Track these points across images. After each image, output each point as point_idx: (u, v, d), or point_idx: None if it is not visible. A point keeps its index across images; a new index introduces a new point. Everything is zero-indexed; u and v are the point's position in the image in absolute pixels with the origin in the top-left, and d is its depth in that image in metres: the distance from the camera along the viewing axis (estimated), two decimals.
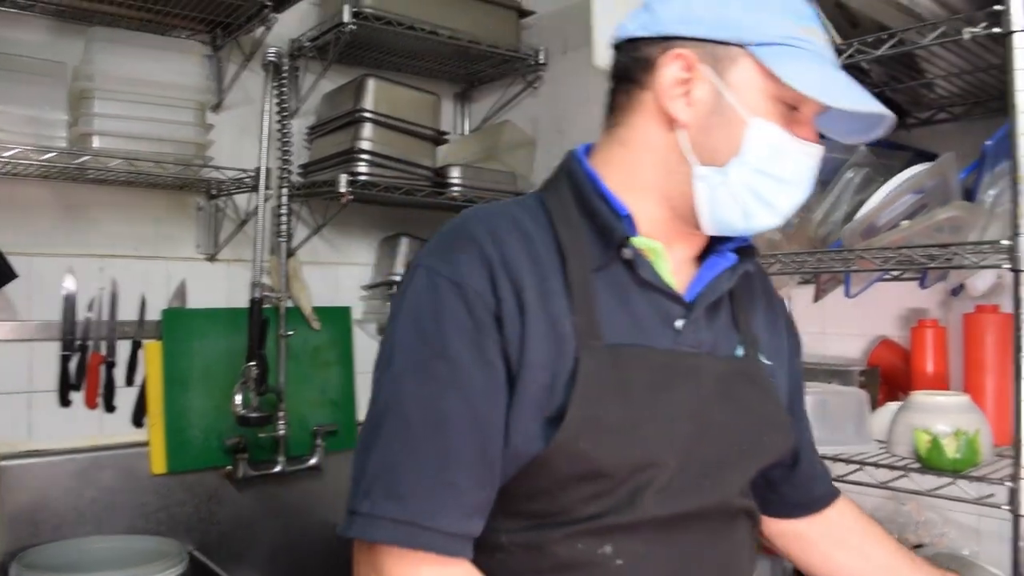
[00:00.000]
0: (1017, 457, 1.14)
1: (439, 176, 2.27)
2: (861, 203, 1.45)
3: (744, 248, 1.05)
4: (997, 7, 1.15)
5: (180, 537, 2.07)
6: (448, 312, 0.90)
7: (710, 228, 0.99)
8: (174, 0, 1.96)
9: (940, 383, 1.52)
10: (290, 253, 2.28)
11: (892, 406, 1.47)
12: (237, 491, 2.20)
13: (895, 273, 1.62)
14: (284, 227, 2.24)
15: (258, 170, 2.10)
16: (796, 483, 1.18)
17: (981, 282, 1.50)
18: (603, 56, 1.52)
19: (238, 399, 2.07)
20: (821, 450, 1.24)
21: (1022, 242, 1.14)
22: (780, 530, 1.21)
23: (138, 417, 2.13)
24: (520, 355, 0.90)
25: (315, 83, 2.31)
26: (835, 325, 1.84)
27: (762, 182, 0.95)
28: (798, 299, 1.83)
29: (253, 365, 2.08)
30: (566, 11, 2.41)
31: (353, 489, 0.90)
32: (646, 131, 0.98)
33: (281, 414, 2.21)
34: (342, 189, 2.05)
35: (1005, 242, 1.16)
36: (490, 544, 0.94)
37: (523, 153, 2.45)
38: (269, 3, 1.96)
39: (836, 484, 1.23)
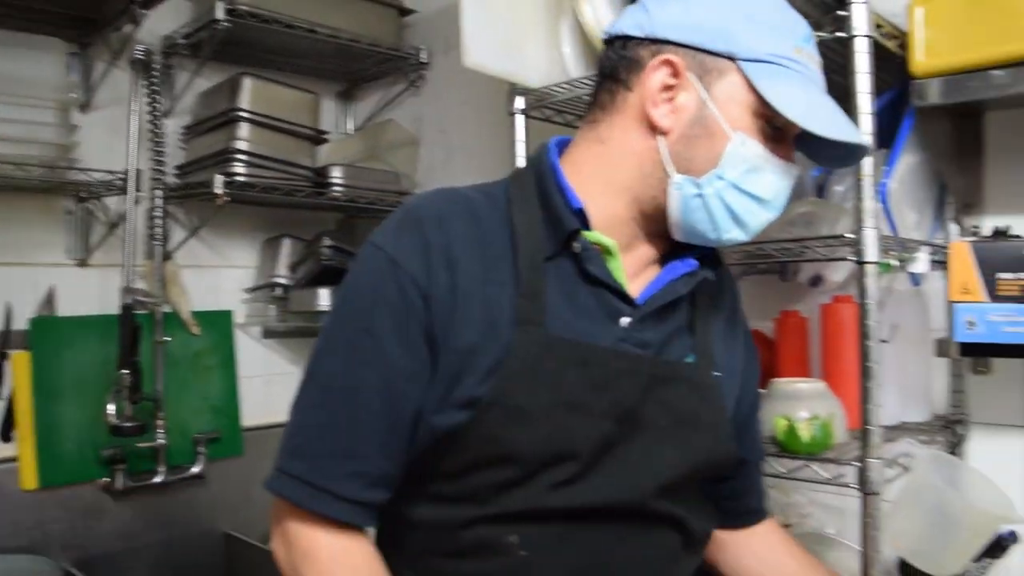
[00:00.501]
0: (865, 439, 1.21)
1: (320, 176, 2.23)
2: None
3: (708, 256, 1.04)
4: (841, 12, 1.21)
5: (55, 555, 1.98)
6: (381, 289, 0.93)
7: (678, 235, 0.99)
8: None
9: (802, 371, 1.58)
10: (166, 256, 2.20)
11: None
12: (116, 504, 2.12)
13: (761, 267, 1.68)
14: (159, 230, 2.17)
15: (127, 171, 2.03)
16: (727, 495, 1.17)
17: (838, 274, 1.58)
18: (472, 56, 1.54)
19: (111, 408, 2.00)
20: None
21: (866, 235, 1.21)
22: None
23: (6, 431, 2.02)
24: (447, 337, 0.91)
25: (190, 82, 2.25)
26: None
27: (736, 198, 0.94)
28: None
29: (126, 373, 2.01)
30: (448, 10, 2.39)
31: (280, 444, 0.96)
32: (625, 132, 0.97)
33: (160, 422, 2.14)
34: (218, 190, 2.00)
35: (850, 235, 1.23)
36: (402, 520, 0.97)
37: (407, 152, 2.44)
38: None
39: None
